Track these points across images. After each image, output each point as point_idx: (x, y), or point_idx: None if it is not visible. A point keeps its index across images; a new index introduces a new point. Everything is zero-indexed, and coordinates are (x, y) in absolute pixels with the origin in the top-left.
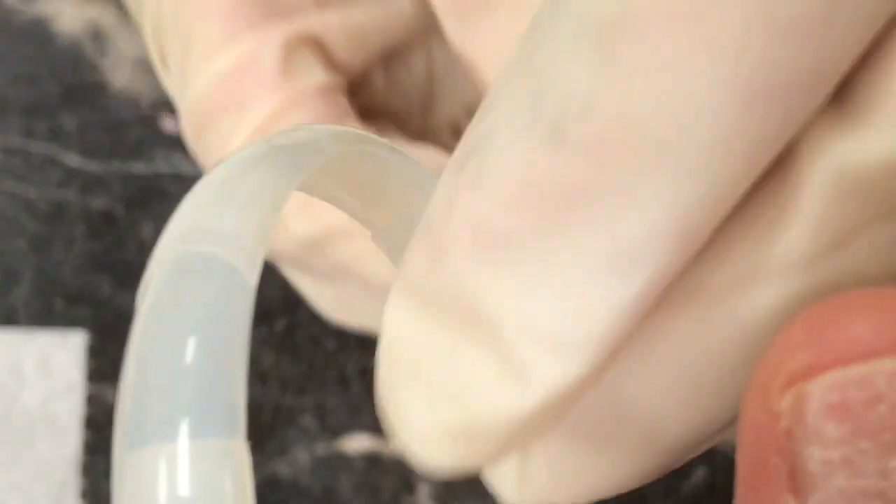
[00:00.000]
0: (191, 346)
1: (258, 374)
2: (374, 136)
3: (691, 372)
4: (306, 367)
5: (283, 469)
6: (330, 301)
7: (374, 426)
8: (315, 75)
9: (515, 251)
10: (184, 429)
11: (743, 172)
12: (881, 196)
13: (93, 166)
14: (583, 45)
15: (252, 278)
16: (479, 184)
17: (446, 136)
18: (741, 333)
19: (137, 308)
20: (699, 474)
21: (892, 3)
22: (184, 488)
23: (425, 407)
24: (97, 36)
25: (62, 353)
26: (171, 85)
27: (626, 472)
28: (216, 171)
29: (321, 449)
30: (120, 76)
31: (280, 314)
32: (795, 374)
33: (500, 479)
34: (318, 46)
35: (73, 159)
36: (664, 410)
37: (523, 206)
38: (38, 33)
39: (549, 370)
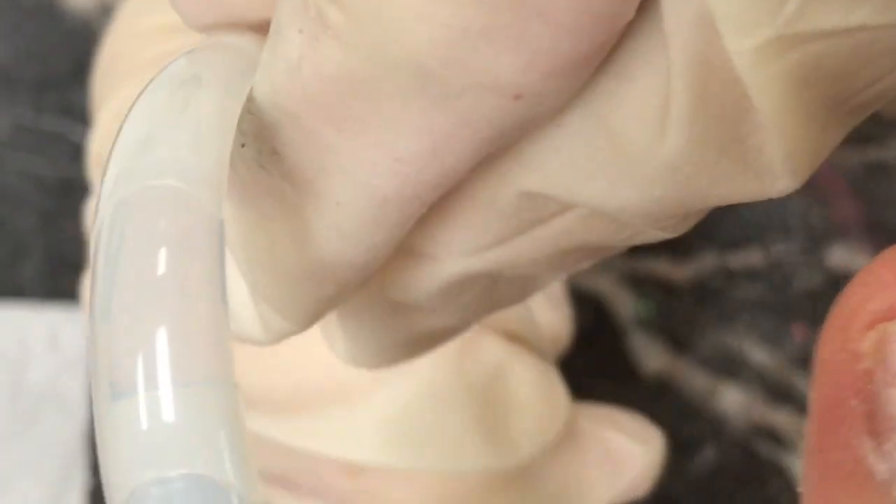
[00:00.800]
0: (162, 310)
1: None
2: None
3: None
4: None
5: None
6: None
7: None
8: None
9: None
10: (165, 377)
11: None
12: None
13: None
14: None
15: (220, 212)
16: None
17: None
18: None
19: (91, 264)
20: (707, 453)
21: (491, 144)
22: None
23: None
24: (107, 12)
25: (70, 327)
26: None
27: None
28: (150, 94)
29: None
30: None
31: None
32: (878, 314)
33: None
34: None
35: (83, 135)
36: None
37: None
38: (49, 10)
39: None
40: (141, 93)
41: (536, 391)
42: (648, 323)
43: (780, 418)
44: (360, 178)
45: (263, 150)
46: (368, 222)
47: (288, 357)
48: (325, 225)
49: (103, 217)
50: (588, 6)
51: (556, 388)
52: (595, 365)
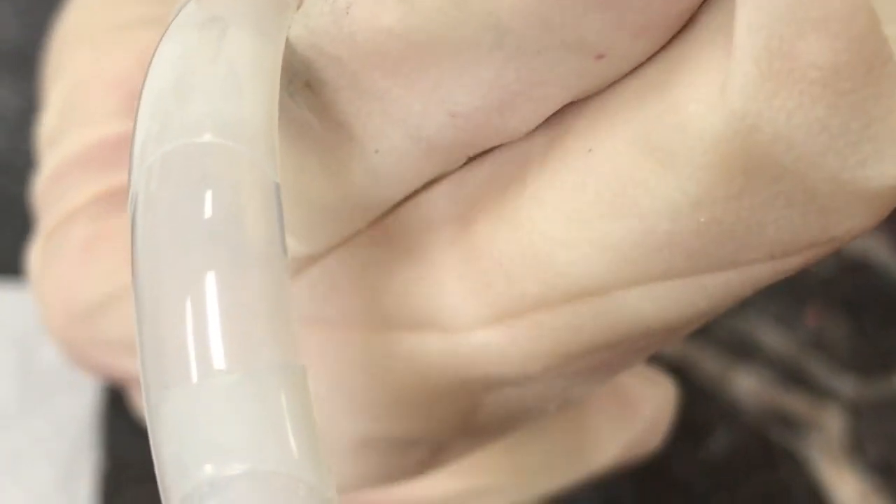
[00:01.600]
0: (210, 282)
1: None
2: None
3: None
4: None
5: None
6: None
7: None
8: None
9: None
10: (219, 357)
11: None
12: None
13: None
14: None
15: (276, 174)
16: None
17: None
18: None
19: (132, 230)
20: (720, 438)
21: (562, 103)
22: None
23: None
24: None
25: None
26: (43, 139)
27: None
28: (169, 44)
29: None
30: None
31: None
32: None
33: None
34: None
35: None
36: None
37: None
38: None
39: None
40: (157, 48)
41: None
42: None
43: (792, 402)
44: (409, 129)
45: (295, 82)
46: (410, 169)
47: None
48: (361, 168)
49: (137, 184)
50: None
51: None
52: None
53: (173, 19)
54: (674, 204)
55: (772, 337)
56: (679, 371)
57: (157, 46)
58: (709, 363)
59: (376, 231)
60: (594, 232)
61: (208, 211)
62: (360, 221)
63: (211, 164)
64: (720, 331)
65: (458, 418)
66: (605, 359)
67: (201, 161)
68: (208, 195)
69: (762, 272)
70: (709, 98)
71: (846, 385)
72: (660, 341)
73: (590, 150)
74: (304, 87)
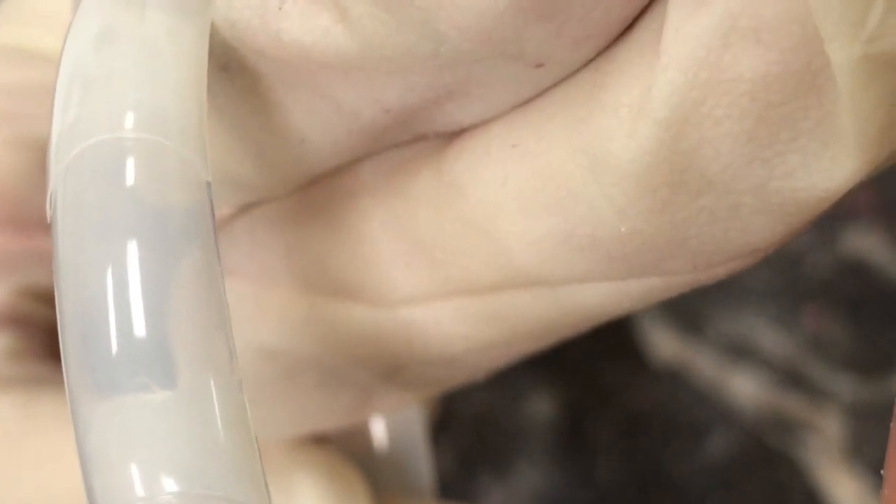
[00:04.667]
0: (139, 303)
1: None
2: None
3: None
4: None
5: None
6: None
7: None
8: None
9: None
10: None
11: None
12: None
13: None
14: None
15: (208, 174)
16: None
17: None
18: None
19: (53, 233)
20: (718, 440)
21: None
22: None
23: None
24: None
25: None
26: None
27: None
28: (82, 21)
29: None
30: None
31: None
32: None
33: None
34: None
35: None
36: None
37: None
38: None
39: None
40: (70, 26)
41: None
42: (658, 307)
43: (790, 404)
44: (340, 119)
45: (211, 66)
46: (338, 154)
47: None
48: (283, 156)
49: (56, 181)
50: None
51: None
52: (604, 350)
53: None
54: (597, 210)
55: (769, 339)
56: (676, 373)
57: (71, 24)
58: (706, 365)
59: (299, 195)
60: (516, 226)
61: (133, 211)
62: (280, 190)
63: (135, 162)
64: (717, 333)
65: (381, 375)
66: (526, 347)
67: (124, 157)
68: (132, 196)
69: (686, 280)
70: (639, 103)
71: (844, 387)
72: (583, 329)
73: (514, 146)
74: (220, 70)
